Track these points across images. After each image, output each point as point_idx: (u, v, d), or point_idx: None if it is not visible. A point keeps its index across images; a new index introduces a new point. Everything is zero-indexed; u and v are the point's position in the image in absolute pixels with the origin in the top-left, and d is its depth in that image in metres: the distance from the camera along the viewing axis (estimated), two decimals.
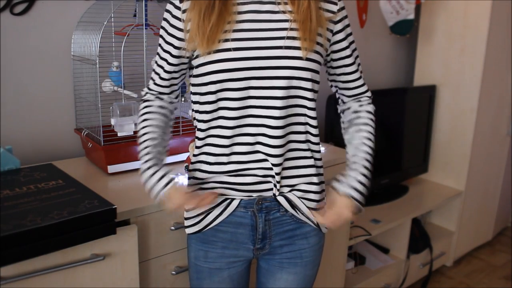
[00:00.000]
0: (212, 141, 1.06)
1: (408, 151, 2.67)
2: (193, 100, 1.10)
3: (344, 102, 1.21)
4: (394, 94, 2.57)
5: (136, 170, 1.49)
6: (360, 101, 1.19)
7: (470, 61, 2.56)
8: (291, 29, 1.01)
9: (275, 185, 1.07)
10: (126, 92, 1.47)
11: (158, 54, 1.10)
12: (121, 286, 1.17)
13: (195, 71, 1.05)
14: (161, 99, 1.13)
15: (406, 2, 2.47)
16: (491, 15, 2.45)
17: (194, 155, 1.11)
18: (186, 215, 1.14)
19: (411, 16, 2.51)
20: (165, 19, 1.06)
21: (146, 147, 1.06)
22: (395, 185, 2.71)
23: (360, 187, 1.07)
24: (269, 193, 1.08)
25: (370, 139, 1.13)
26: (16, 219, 0.98)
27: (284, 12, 1.02)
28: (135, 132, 1.47)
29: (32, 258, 1.00)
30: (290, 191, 1.10)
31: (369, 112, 1.17)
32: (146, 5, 1.49)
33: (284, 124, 1.03)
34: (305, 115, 1.06)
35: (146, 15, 1.49)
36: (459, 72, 2.62)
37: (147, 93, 1.14)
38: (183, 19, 1.02)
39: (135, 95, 1.46)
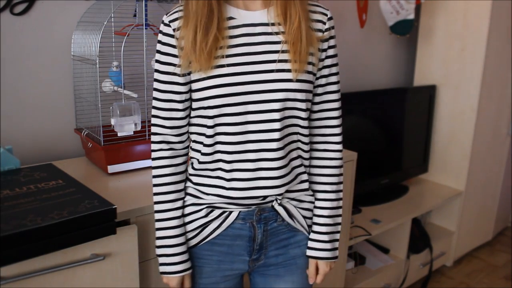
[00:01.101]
0: (211, 166, 1.05)
1: (408, 151, 2.68)
2: (191, 122, 1.08)
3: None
4: (394, 94, 2.57)
5: (136, 170, 1.50)
6: (325, 158, 1.14)
7: (470, 61, 2.56)
8: (283, 51, 1.00)
9: (276, 199, 1.08)
10: (126, 92, 1.47)
11: (157, 90, 1.04)
12: (121, 286, 1.17)
13: (192, 95, 1.04)
14: (175, 149, 1.07)
15: (406, 2, 2.47)
16: (491, 15, 2.45)
17: (191, 174, 1.09)
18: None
19: (411, 16, 2.51)
20: (158, 42, 1.03)
21: (175, 218, 1.08)
22: (395, 185, 2.71)
23: (329, 245, 1.14)
24: (268, 205, 1.08)
25: (332, 199, 1.14)
26: (16, 219, 0.98)
27: (277, 33, 1.01)
28: (135, 132, 1.48)
29: (32, 258, 1.00)
30: (287, 201, 1.11)
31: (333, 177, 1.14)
32: (146, 5, 1.49)
33: (284, 145, 1.04)
34: (297, 133, 1.07)
35: (146, 15, 1.49)
36: (459, 72, 2.62)
37: (160, 149, 1.06)
38: (176, 37, 1.00)
39: (135, 95, 1.46)
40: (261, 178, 1.03)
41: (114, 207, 1.08)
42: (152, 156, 1.07)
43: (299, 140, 1.08)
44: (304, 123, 1.06)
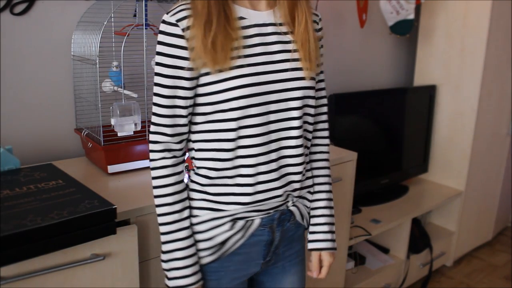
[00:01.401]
0: (230, 173, 1.01)
1: (408, 151, 2.67)
2: (198, 129, 1.03)
3: None
4: (394, 94, 2.57)
5: (136, 170, 1.50)
6: (316, 153, 1.17)
7: (470, 61, 2.56)
8: (294, 50, 1.02)
9: (292, 200, 1.09)
10: (126, 92, 1.48)
11: (159, 95, 0.97)
12: (121, 286, 1.17)
13: (204, 99, 0.99)
14: (177, 157, 1.02)
15: (406, 2, 2.47)
16: (491, 15, 2.45)
17: (204, 185, 1.03)
18: (200, 246, 1.05)
19: (411, 16, 2.51)
20: (160, 44, 0.96)
21: (185, 228, 1.02)
22: (395, 185, 2.71)
23: (329, 236, 1.17)
24: (283, 206, 1.09)
25: (329, 206, 1.18)
26: (16, 219, 0.98)
27: (285, 33, 1.03)
28: (135, 132, 1.48)
29: (32, 258, 1.00)
30: (297, 200, 1.12)
31: (325, 176, 1.18)
32: (146, 5, 1.49)
33: (302, 142, 1.05)
34: (306, 130, 1.09)
35: (146, 15, 1.49)
36: (459, 72, 2.62)
37: (162, 157, 1.00)
38: (186, 37, 0.94)
39: (135, 95, 1.46)
40: (284, 175, 1.04)
41: (114, 207, 1.08)
42: (153, 166, 1.00)
43: (305, 137, 1.10)
44: (312, 119, 1.08)
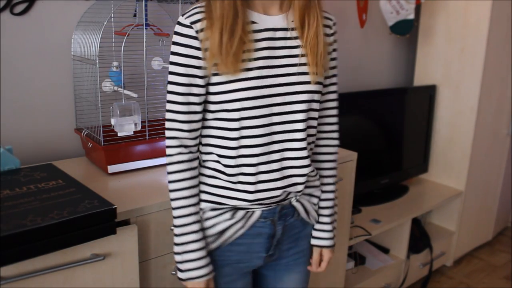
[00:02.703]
0: (233, 171, 1.04)
1: (408, 151, 2.67)
2: (207, 125, 1.06)
3: None
4: (394, 94, 2.57)
5: (136, 170, 1.50)
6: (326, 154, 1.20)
7: (470, 61, 2.56)
8: (302, 55, 1.05)
9: (295, 196, 1.11)
10: (126, 92, 1.47)
11: (174, 92, 1.01)
12: (121, 286, 1.17)
13: (212, 98, 1.02)
14: (193, 152, 1.05)
15: (406, 2, 2.47)
16: (491, 15, 2.45)
17: (208, 176, 1.08)
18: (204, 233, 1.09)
19: (411, 16, 2.51)
20: (176, 44, 1.00)
21: (195, 222, 1.05)
22: (395, 185, 2.71)
23: (332, 234, 1.22)
24: (287, 201, 1.11)
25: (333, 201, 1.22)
26: (16, 219, 0.98)
27: (295, 38, 1.05)
28: (135, 132, 1.48)
29: (32, 258, 1.00)
30: (301, 197, 1.15)
31: (331, 176, 1.21)
32: (146, 5, 1.49)
33: (306, 145, 1.07)
34: (311, 134, 1.11)
35: (146, 15, 1.49)
36: (459, 72, 2.62)
37: (179, 152, 1.03)
38: (200, 39, 0.98)
39: (135, 95, 1.46)
40: (288, 177, 1.07)
41: (114, 207, 1.08)
42: (169, 161, 1.03)
43: (312, 141, 1.12)
44: (316, 122, 1.11)
